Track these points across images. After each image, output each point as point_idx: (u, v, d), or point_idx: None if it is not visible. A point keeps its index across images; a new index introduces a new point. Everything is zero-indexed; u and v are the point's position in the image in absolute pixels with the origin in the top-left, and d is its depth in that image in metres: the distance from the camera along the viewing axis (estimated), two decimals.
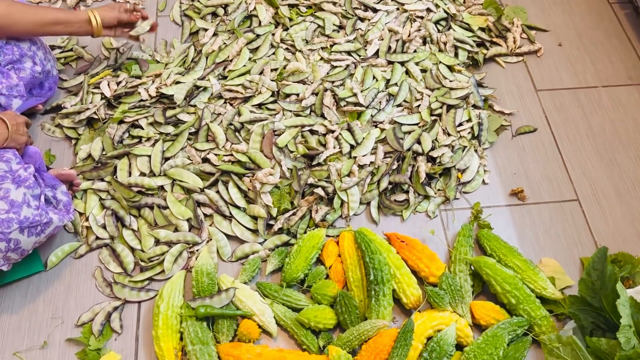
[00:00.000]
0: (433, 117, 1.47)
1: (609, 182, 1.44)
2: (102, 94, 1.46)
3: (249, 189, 1.33)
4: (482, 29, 1.67)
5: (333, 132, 1.43)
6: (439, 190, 1.39)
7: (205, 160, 1.38)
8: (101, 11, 1.37)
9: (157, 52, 1.59)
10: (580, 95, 1.61)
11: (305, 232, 1.28)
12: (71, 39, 1.61)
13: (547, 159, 1.48)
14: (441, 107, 1.48)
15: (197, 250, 1.26)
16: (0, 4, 1.21)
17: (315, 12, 1.67)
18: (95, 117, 1.41)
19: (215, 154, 1.38)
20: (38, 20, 1.27)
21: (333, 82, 1.52)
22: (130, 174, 1.34)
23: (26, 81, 1.33)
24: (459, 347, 1.14)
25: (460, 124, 1.46)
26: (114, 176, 1.33)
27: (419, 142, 1.41)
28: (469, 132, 1.46)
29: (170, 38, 1.64)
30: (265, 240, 1.28)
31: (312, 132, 1.44)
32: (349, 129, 1.43)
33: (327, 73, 1.54)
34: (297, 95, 1.49)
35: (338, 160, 1.39)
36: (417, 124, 1.47)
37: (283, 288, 1.19)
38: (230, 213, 1.30)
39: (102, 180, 1.33)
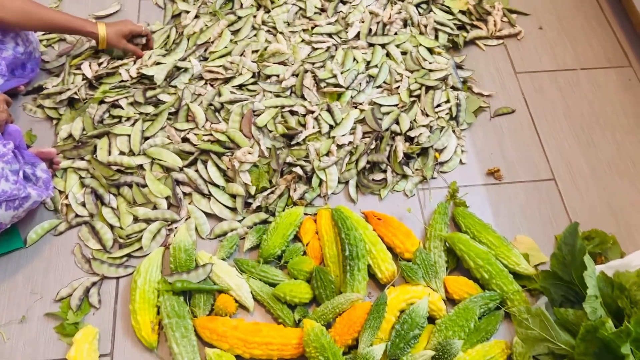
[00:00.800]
0: (412, 99, 1.48)
1: (586, 162, 1.46)
2: (83, 74, 1.47)
3: (227, 168, 1.34)
4: (463, 12, 1.68)
5: (313, 112, 1.44)
6: (416, 169, 1.40)
7: (185, 139, 1.39)
8: (112, 28, 1.42)
9: None
10: (559, 78, 1.62)
11: (283, 210, 1.30)
12: None
13: (525, 140, 1.49)
14: (420, 89, 1.50)
15: (175, 228, 1.27)
16: (17, 1, 1.26)
17: None
18: (76, 97, 1.42)
19: (195, 134, 1.39)
20: (50, 21, 1.32)
21: (314, 63, 1.53)
22: (110, 153, 1.36)
23: (8, 61, 1.34)
24: (433, 320, 1.16)
25: (439, 105, 1.48)
26: (94, 155, 1.35)
27: (397, 122, 1.43)
28: (447, 113, 1.48)
29: (153, 20, 1.65)
30: (244, 218, 1.30)
31: (292, 112, 1.45)
32: (329, 110, 1.44)
33: (308, 55, 1.55)
34: (278, 76, 1.50)
35: (317, 140, 1.41)
36: (396, 105, 1.48)
37: (260, 264, 1.21)
38: (209, 191, 1.31)
39: (82, 159, 1.34)
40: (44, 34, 1.58)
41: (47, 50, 1.56)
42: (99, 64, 1.49)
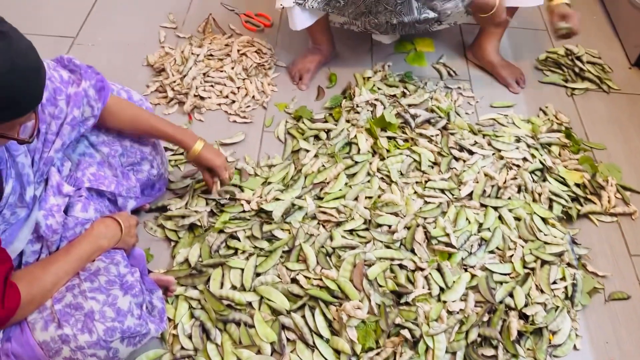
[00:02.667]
0: (526, 270, 1.45)
1: None
2: (206, 199, 1.53)
3: (334, 319, 1.32)
4: (578, 185, 1.68)
5: (422, 270, 1.43)
6: (528, 349, 1.33)
7: (294, 280, 1.39)
8: (208, 152, 1.40)
9: (259, 167, 1.67)
10: None
11: None
12: None
13: None
14: (535, 261, 1.46)
15: None
16: (114, 100, 1.26)
17: (411, 146, 1.74)
18: (198, 223, 1.47)
19: (305, 276, 1.39)
20: (155, 127, 1.33)
21: (425, 218, 1.54)
22: (222, 285, 1.37)
23: (141, 182, 1.42)
24: None
25: (554, 282, 1.43)
26: (207, 285, 1.36)
27: (511, 295, 1.39)
28: (563, 292, 1.42)
29: (273, 153, 1.73)
30: None
31: (401, 266, 1.44)
32: (439, 270, 1.42)
33: (420, 208, 1.57)
34: (389, 226, 1.52)
35: (426, 302, 1.38)
36: (509, 274, 1.45)
37: None
38: (314, 342, 1.29)
39: (195, 287, 1.36)
40: (172, 154, 1.68)
41: (174, 171, 1.65)
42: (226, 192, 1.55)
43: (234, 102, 1.87)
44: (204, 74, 1.90)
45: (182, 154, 1.69)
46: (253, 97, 1.89)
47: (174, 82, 1.86)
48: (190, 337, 1.29)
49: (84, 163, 1.22)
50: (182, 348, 1.27)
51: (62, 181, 1.12)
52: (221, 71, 1.92)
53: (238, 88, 1.89)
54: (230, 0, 2.28)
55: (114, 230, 1.15)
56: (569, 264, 1.48)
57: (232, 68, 1.93)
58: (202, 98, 1.85)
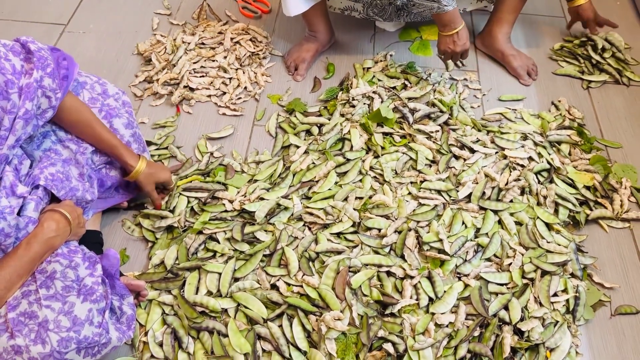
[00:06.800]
0: (524, 281, 1.34)
1: None
2: (188, 197, 1.46)
3: (313, 329, 1.24)
4: (587, 187, 1.55)
5: (412, 278, 1.34)
6: None
7: (274, 286, 1.32)
8: (152, 167, 1.36)
9: (246, 163, 1.59)
10: None
11: None
12: (169, 136, 1.65)
13: None
14: (535, 271, 1.35)
15: None
16: (73, 99, 1.19)
17: (408, 142, 1.63)
18: (175, 225, 1.41)
19: (286, 282, 1.32)
20: (100, 139, 1.25)
21: (418, 221, 1.44)
22: (197, 290, 1.31)
23: (115, 180, 1.36)
24: None
25: (555, 294, 1.32)
26: (182, 290, 1.30)
27: (506, 308, 1.29)
28: (564, 305, 1.32)
29: (262, 148, 1.65)
30: None
31: (389, 273, 1.36)
32: (430, 278, 1.33)
33: (413, 210, 1.47)
34: (379, 230, 1.43)
35: (414, 313, 1.29)
36: (505, 284, 1.34)
37: None
38: (290, 355, 1.21)
39: (169, 292, 1.30)
40: (156, 149, 1.61)
41: None
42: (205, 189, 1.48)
43: (224, 93, 1.78)
44: (194, 63, 1.82)
45: (166, 148, 1.62)
46: (245, 88, 1.80)
47: (162, 71, 1.78)
48: (161, 344, 1.23)
49: (45, 160, 1.15)
50: (152, 356, 1.22)
51: (16, 181, 1.06)
52: (213, 60, 1.84)
53: (230, 79, 1.81)
54: None
55: (63, 225, 1.09)
56: (572, 275, 1.37)
57: (225, 57, 1.85)
58: (191, 89, 1.77)
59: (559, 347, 1.26)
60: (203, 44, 1.88)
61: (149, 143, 1.61)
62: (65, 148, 1.22)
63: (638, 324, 1.34)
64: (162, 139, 1.64)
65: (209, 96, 1.77)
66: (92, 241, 1.31)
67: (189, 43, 1.86)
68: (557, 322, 1.29)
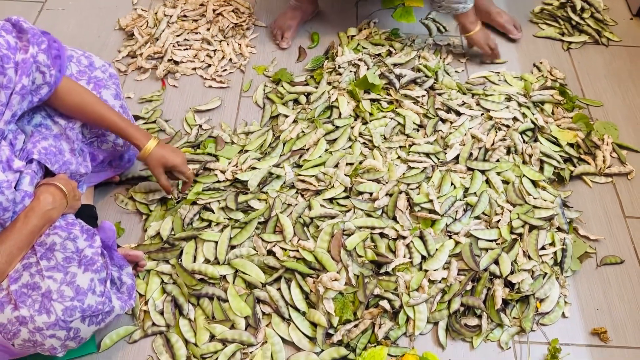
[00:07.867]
0: (513, 236, 1.39)
1: None
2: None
3: (311, 291, 1.27)
4: (571, 145, 1.59)
5: (404, 238, 1.37)
6: (514, 318, 1.28)
7: (270, 252, 1.34)
8: (164, 149, 1.28)
9: (235, 134, 1.59)
10: None
11: (365, 348, 1.20)
12: (156, 110, 1.64)
13: (635, 298, 1.35)
14: (523, 226, 1.40)
15: (251, 353, 1.20)
16: (71, 82, 1.18)
17: (396, 108, 1.65)
18: (169, 196, 1.41)
19: (282, 248, 1.34)
20: (106, 120, 1.21)
21: (409, 184, 1.47)
22: (195, 259, 1.32)
23: (108, 153, 1.35)
24: None
25: (543, 247, 1.37)
26: (179, 260, 1.31)
27: (496, 262, 1.33)
28: (552, 258, 1.36)
29: (251, 119, 1.65)
30: (323, 350, 1.21)
31: (382, 235, 1.39)
32: (421, 237, 1.36)
33: (403, 174, 1.50)
34: (370, 194, 1.45)
35: (407, 271, 1.32)
36: (495, 240, 1.39)
37: None
38: (290, 315, 1.24)
39: (167, 262, 1.31)
40: (145, 123, 1.60)
41: None
42: (198, 162, 1.48)
43: (209, 66, 1.78)
44: (177, 36, 1.80)
45: (154, 122, 1.62)
46: (230, 60, 1.80)
47: (145, 45, 1.76)
48: (162, 312, 1.25)
49: (37, 135, 1.14)
50: (154, 324, 1.24)
51: (12, 156, 1.06)
52: (196, 33, 1.82)
53: (214, 51, 1.80)
54: None
55: (60, 198, 1.09)
56: (559, 229, 1.42)
57: (208, 29, 1.83)
58: (175, 62, 1.76)
59: (548, 298, 1.31)
60: (185, 16, 1.86)
61: (136, 117, 1.61)
62: (55, 123, 1.21)
63: (622, 273, 1.40)
64: (150, 113, 1.63)
65: (194, 69, 1.76)
66: (87, 214, 1.31)
67: (170, 16, 1.84)
68: (546, 274, 1.33)
